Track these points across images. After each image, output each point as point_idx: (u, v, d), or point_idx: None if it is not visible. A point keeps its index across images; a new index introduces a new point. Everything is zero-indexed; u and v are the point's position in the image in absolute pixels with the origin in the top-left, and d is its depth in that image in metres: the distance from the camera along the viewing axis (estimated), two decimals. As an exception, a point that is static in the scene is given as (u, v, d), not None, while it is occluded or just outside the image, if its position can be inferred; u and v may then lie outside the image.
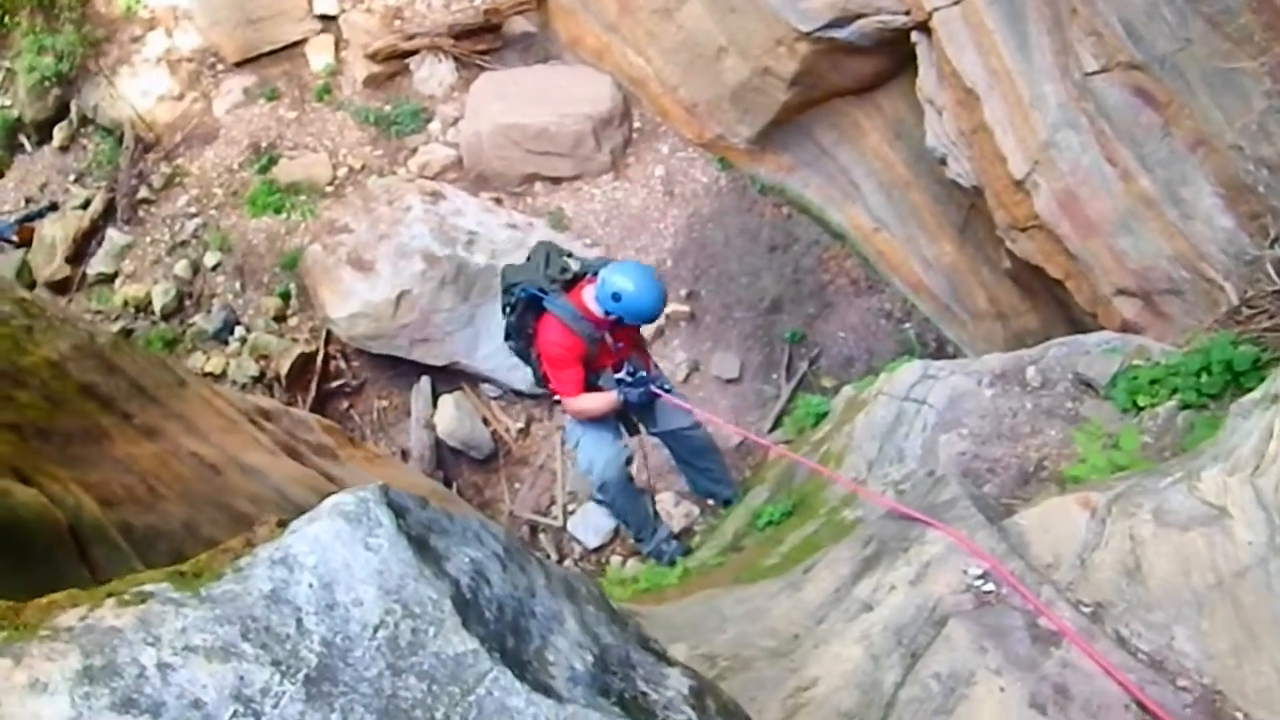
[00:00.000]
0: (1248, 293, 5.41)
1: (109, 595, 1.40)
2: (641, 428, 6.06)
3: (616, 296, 5.10)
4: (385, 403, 8.54)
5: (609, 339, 5.37)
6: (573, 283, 5.35)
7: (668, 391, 5.67)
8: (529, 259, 5.55)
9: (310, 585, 1.45)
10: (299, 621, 1.42)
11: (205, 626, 1.37)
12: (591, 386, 5.44)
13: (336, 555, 1.48)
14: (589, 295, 5.27)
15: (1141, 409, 4.40)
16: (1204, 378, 4.25)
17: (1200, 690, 2.58)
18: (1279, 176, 5.73)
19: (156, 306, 8.90)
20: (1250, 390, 3.21)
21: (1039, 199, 6.56)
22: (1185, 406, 4.22)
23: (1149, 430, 4.25)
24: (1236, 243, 5.91)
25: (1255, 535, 2.63)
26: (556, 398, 5.66)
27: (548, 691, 1.53)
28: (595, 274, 5.31)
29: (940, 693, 2.66)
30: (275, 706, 1.33)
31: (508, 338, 5.61)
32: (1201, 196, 6.02)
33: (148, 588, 1.41)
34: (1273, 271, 5.26)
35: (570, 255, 5.47)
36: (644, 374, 5.50)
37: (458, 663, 1.47)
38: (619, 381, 5.42)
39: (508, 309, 5.41)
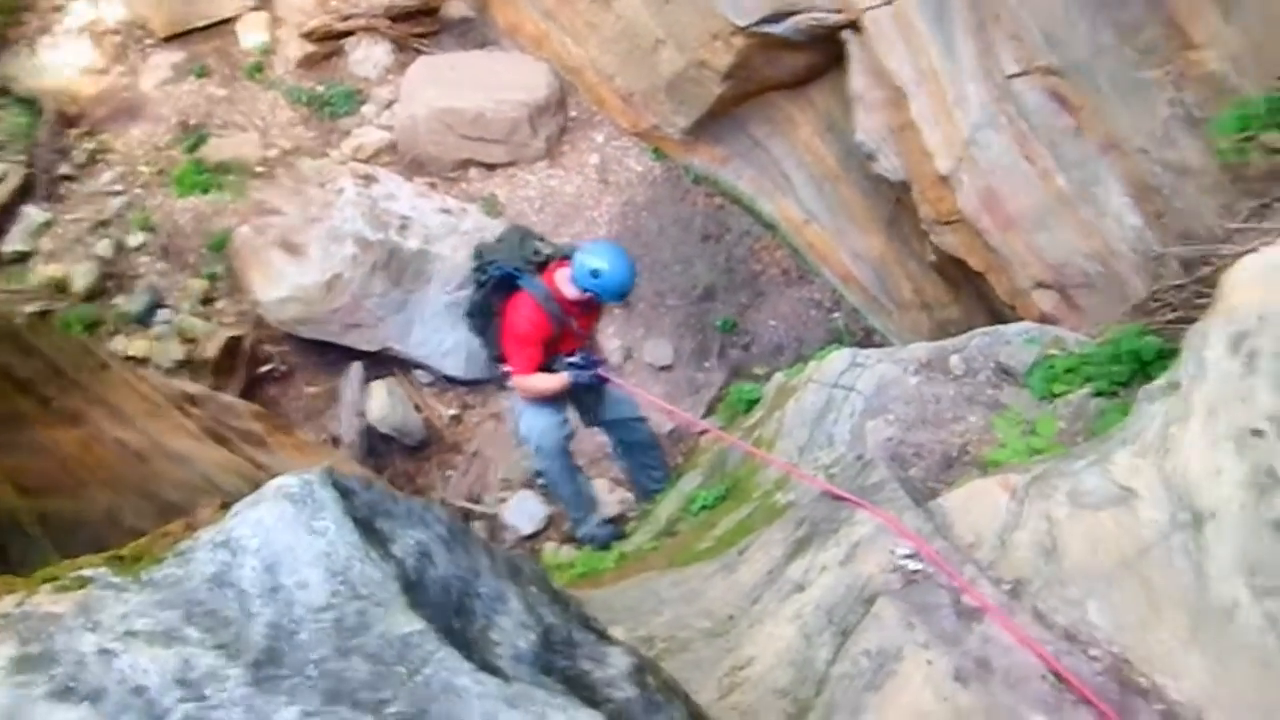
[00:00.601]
0: (1154, 287, 5.56)
1: (45, 581, 1.36)
2: (589, 417, 6.18)
3: (595, 274, 5.21)
4: (315, 389, 8.41)
5: (574, 324, 5.50)
6: (544, 265, 5.46)
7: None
8: (500, 240, 5.65)
9: (254, 568, 1.43)
10: (243, 605, 1.39)
11: (147, 611, 1.34)
12: (545, 370, 5.53)
13: (280, 538, 1.46)
14: (561, 277, 5.40)
15: (1057, 396, 4.51)
16: (1114, 367, 4.36)
17: (1110, 659, 2.67)
18: (1182, 179, 5.91)
19: (77, 287, 8.63)
20: (1155, 378, 3.32)
21: (961, 195, 6.68)
22: (1098, 394, 4.34)
23: (1064, 416, 4.36)
24: (1144, 240, 6.08)
25: (1159, 514, 2.73)
26: (508, 378, 5.72)
27: (494, 671, 1.53)
28: (567, 257, 5.43)
29: (870, 668, 2.72)
30: (222, 690, 1.31)
31: (470, 315, 5.69)
32: (1112, 196, 6.19)
33: (86, 573, 1.38)
34: (1177, 267, 5.42)
35: (542, 239, 5.59)
36: (594, 359, 5.62)
37: (404, 643, 1.46)
38: (570, 365, 5.53)
39: (477, 285, 5.51)
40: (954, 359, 4.99)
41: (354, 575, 1.47)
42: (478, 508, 7.79)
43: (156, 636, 1.32)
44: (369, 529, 1.55)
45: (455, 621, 1.56)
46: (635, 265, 5.48)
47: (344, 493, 1.56)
